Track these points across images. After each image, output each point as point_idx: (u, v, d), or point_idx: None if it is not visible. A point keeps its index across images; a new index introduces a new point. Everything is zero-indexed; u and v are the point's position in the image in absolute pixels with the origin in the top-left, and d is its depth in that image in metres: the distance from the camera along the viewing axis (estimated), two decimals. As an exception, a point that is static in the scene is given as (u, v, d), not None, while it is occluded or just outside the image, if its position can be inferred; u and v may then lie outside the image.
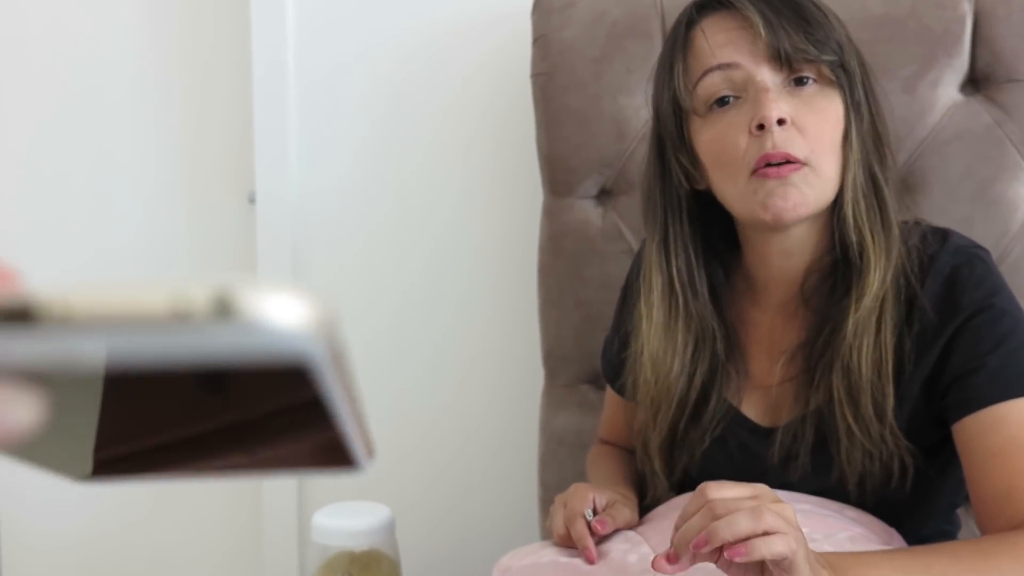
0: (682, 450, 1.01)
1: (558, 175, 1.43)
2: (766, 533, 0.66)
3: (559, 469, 1.42)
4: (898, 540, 0.91)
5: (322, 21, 1.69)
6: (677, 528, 0.71)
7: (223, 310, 0.12)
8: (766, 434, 0.98)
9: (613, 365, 1.15)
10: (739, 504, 0.68)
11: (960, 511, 1.09)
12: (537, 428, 1.48)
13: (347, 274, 1.74)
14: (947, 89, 1.27)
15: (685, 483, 1.03)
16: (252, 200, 1.82)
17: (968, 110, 1.27)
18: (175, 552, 1.95)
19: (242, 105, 1.81)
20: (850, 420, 0.91)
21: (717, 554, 0.69)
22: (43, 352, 0.13)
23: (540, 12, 1.43)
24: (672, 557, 0.70)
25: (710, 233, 1.04)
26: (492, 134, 1.64)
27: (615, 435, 1.21)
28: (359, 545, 1.25)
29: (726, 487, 0.70)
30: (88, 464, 0.20)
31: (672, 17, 1.28)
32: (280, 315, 0.12)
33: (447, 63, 1.64)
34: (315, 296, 0.12)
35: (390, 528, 1.29)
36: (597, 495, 0.97)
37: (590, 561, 0.91)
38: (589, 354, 1.40)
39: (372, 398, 1.72)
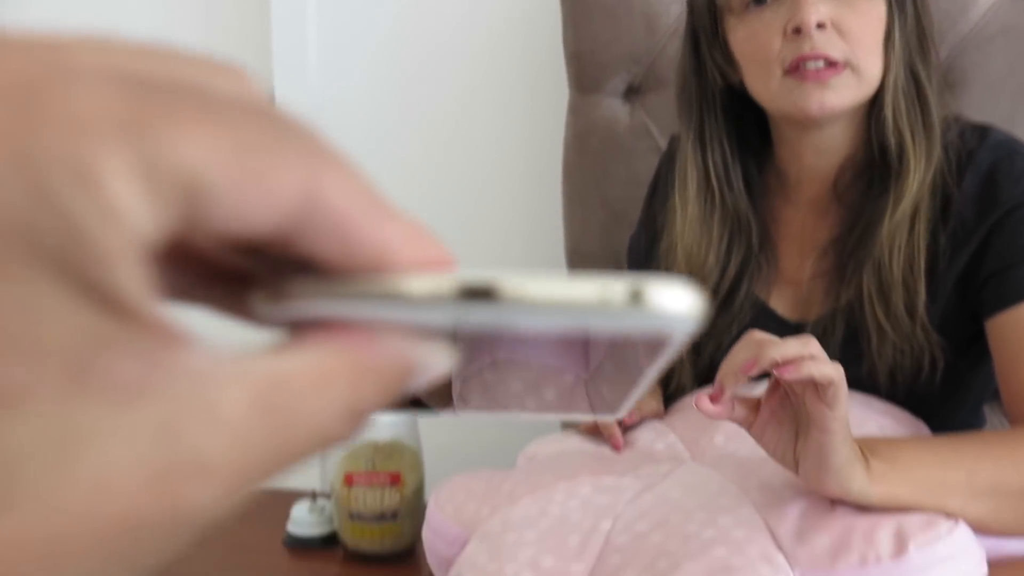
0: (710, 338, 1.01)
1: (585, 72, 1.40)
2: (813, 357, 0.66)
3: (581, 368, 1.43)
4: (926, 432, 0.91)
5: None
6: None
7: (636, 300, 0.16)
8: (796, 329, 0.98)
9: (640, 262, 1.14)
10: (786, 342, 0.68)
11: (986, 408, 1.09)
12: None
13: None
14: (991, -19, 1.23)
15: (711, 375, 1.03)
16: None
17: (1013, 6, 1.23)
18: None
19: (260, 6, 1.78)
20: (881, 317, 0.90)
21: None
22: (491, 321, 0.17)
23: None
24: (715, 396, 0.70)
25: (744, 128, 1.02)
26: (518, 30, 1.60)
27: (640, 332, 1.20)
28: (382, 436, 1.26)
29: (773, 336, 0.70)
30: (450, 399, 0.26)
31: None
32: (674, 305, 0.16)
33: (469, 54, 1.62)
34: (695, 291, 0.17)
35: (413, 419, 1.30)
36: None
37: (616, 449, 0.92)
38: (614, 253, 1.39)
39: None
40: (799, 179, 1.01)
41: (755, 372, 0.67)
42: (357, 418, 0.18)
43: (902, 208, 0.90)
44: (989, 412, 1.11)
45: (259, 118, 0.16)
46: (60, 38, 0.16)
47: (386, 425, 1.26)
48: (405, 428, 1.27)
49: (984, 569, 0.70)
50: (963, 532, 0.70)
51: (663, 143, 1.34)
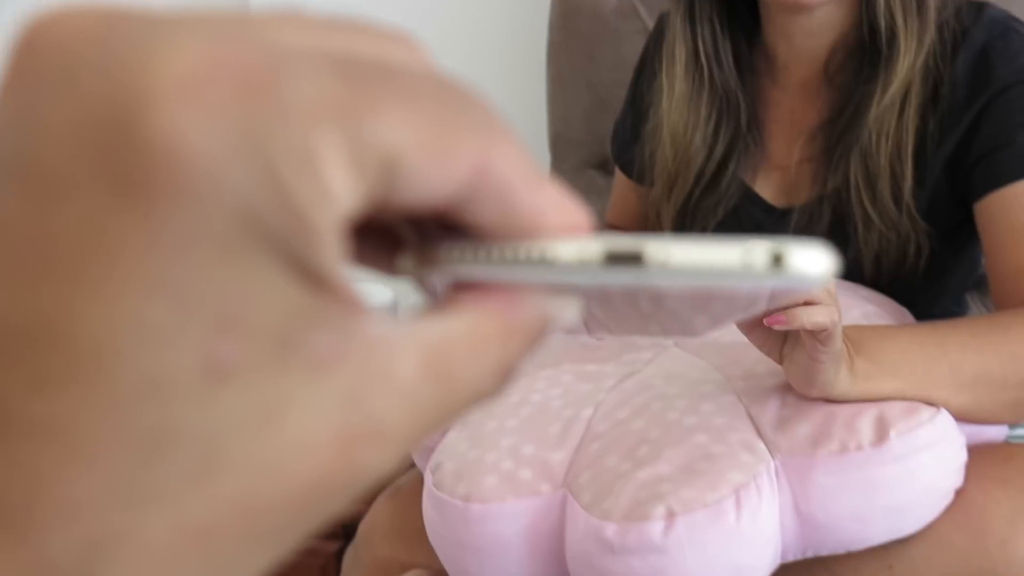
0: (694, 221, 1.00)
1: (571, -51, 1.35)
2: (807, 303, 0.65)
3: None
4: (909, 319, 0.90)
5: None
6: None
7: (777, 264, 0.17)
8: (781, 215, 0.96)
9: (625, 142, 1.12)
10: None
11: (968, 297, 1.09)
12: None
13: None
14: None
15: None
16: None
17: None
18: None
19: None
20: (867, 204, 0.89)
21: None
22: (632, 283, 0.18)
23: None
24: None
25: (735, 5, 0.98)
26: None
27: (623, 219, 1.19)
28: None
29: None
30: None
31: None
32: (813, 268, 0.17)
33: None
34: (829, 252, 0.18)
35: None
36: None
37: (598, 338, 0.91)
38: (598, 138, 1.36)
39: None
40: (788, 61, 0.98)
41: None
42: (507, 375, 0.19)
43: (891, 92, 0.87)
44: (972, 301, 1.11)
45: (441, 90, 0.17)
46: (260, 17, 0.17)
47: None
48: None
49: (964, 455, 0.71)
50: (944, 419, 0.70)
51: (651, 24, 1.29)
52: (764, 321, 0.66)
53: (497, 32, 1.58)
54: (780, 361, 0.71)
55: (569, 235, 0.18)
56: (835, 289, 0.67)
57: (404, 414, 0.17)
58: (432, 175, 0.17)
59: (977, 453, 0.72)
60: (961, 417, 0.72)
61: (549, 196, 0.18)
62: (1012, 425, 0.85)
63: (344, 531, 1.10)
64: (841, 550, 0.69)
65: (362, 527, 0.95)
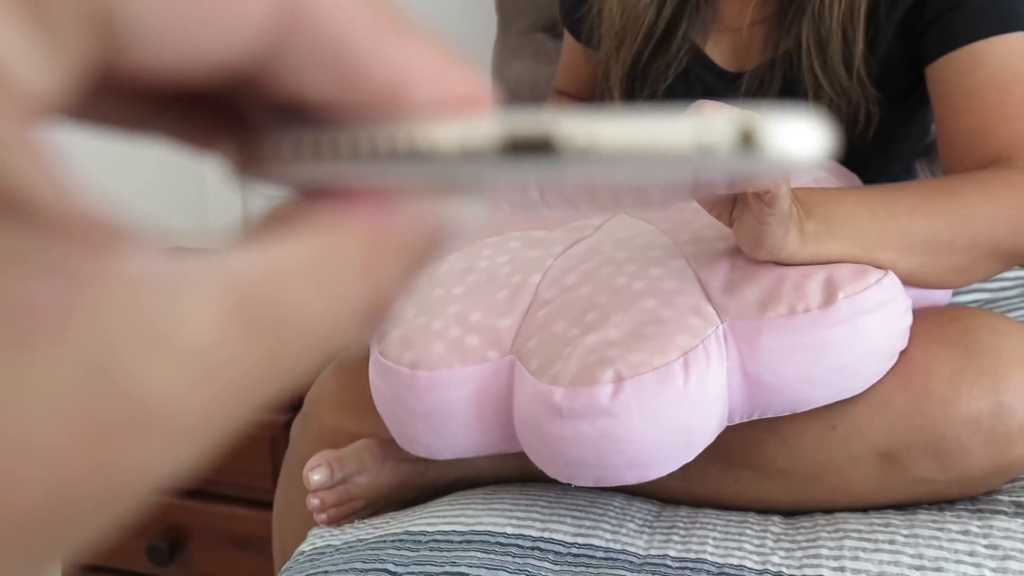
0: (644, 83, 0.97)
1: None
2: None
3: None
4: (859, 184, 0.89)
5: None
6: None
7: (747, 143, 0.13)
8: (733, 79, 0.94)
9: (572, 2, 1.07)
10: None
11: (917, 164, 1.08)
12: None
13: None
14: None
15: None
16: None
17: None
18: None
19: None
20: (817, 70, 0.87)
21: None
22: (549, 177, 0.14)
23: None
24: None
25: None
26: None
27: (572, 84, 1.15)
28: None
29: (718, 107, 0.65)
30: None
31: None
32: (798, 145, 0.13)
33: None
34: (822, 124, 0.13)
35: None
36: None
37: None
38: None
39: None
40: None
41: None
42: (371, 312, 0.14)
43: None
44: (919, 167, 1.11)
45: None
46: None
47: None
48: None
49: (910, 317, 0.71)
50: (891, 282, 0.70)
51: None
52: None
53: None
54: (730, 224, 0.70)
55: (454, 112, 0.14)
56: None
57: (195, 385, 0.12)
58: (188, 22, 0.12)
59: (921, 315, 0.72)
60: (908, 280, 0.72)
61: (415, 51, 0.13)
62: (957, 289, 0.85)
63: (292, 404, 1.09)
64: (787, 411, 0.69)
65: (308, 397, 0.95)
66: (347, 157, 0.14)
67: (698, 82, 0.96)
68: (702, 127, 0.13)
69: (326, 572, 0.67)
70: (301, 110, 0.13)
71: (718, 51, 0.96)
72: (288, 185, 0.14)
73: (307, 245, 0.13)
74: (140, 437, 0.11)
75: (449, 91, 0.14)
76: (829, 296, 0.68)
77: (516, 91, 1.37)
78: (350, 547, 0.71)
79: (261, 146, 0.14)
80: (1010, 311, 1.03)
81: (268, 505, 1.02)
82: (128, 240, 0.12)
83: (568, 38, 1.14)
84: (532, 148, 0.13)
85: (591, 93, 1.09)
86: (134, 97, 0.14)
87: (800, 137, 0.13)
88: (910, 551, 0.65)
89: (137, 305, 0.11)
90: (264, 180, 0.15)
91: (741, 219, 0.68)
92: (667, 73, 0.96)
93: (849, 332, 0.67)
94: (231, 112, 0.15)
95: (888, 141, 0.93)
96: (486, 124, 0.13)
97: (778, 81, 0.91)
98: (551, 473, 0.70)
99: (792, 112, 0.13)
